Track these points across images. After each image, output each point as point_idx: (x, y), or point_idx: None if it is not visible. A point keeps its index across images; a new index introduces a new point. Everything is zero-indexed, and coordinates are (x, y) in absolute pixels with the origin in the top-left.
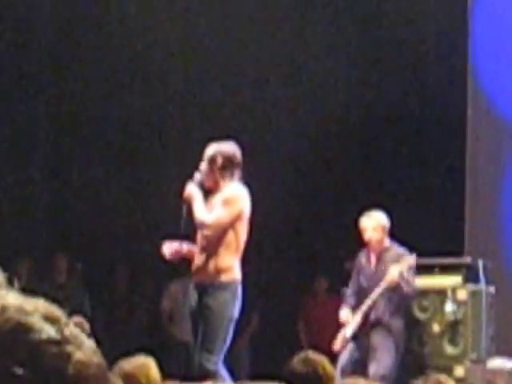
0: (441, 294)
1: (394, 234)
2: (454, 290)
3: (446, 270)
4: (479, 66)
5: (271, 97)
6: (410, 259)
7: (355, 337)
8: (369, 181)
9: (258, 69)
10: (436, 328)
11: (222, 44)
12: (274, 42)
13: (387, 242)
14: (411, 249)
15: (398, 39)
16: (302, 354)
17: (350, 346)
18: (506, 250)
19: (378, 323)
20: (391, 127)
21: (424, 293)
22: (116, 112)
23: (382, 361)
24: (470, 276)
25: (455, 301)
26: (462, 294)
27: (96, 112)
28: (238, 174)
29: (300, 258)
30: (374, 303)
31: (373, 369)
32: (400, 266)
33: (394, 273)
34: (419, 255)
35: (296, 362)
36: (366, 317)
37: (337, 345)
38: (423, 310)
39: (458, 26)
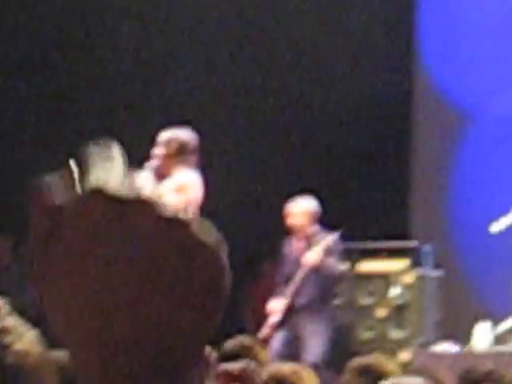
0: (387, 278)
1: (340, 219)
2: (400, 274)
3: (392, 254)
4: (426, 51)
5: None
6: (328, 240)
7: (283, 323)
8: (315, 167)
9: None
10: (382, 313)
11: None
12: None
13: (314, 228)
14: (359, 233)
15: (342, 27)
16: (235, 340)
17: (280, 333)
18: (453, 233)
19: (304, 309)
20: (336, 113)
21: (370, 277)
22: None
23: (312, 349)
24: (417, 260)
25: (402, 285)
26: (409, 278)
27: None
28: (193, 160)
29: (246, 243)
30: (298, 288)
31: (303, 357)
32: (317, 248)
33: (310, 255)
34: (366, 239)
35: (228, 346)
36: (291, 302)
37: (263, 333)
38: (369, 294)
39: (404, 16)
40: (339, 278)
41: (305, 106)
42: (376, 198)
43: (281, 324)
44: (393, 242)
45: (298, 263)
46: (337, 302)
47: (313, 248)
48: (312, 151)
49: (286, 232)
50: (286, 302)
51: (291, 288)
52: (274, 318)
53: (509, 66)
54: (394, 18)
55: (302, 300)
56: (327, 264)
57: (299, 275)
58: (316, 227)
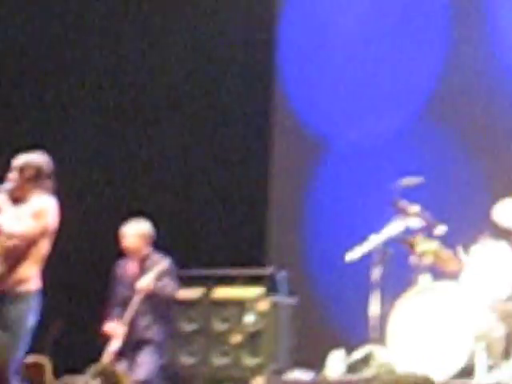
0: (242, 305)
1: (196, 244)
2: (255, 301)
3: (247, 281)
4: (286, 77)
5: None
6: (163, 264)
7: (123, 351)
8: (169, 191)
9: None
10: (236, 339)
11: None
12: None
13: (147, 250)
14: (214, 259)
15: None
16: (97, 366)
17: (123, 362)
18: (309, 261)
19: (142, 337)
20: (189, 135)
21: (225, 304)
22: None
23: (142, 371)
24: (272, 287)
25: (256, 312)
26: (264, 305)
27: None
28: (48, 185)
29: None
30: (136, 313)
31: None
32: (154, 272)
33: (144, 281)
34: (222, 266)
35: (90, 373)
36: (130, 329)
37: (105, 359)
38: (223, 320)
39: (263, 42)
40: (172, 302)
41: (154, 127)
42: (232, 224)
43: (122, 352)
44: (248, 268)
45: (132, 286)
46: (191, 327)
47: (147, 273)
48: (163, 175)
49: (121, 254)
50: (125, 328)
51: (129, 313)
52: (115, 344)
53: (365, 94)
54: (254, 44)
55: (138, 327)
56: (161, 289)
57: (135, 301)
58: (150, 250)
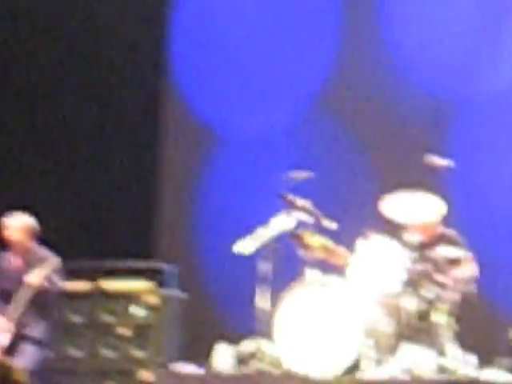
0: (131, 297)
1: (86, 236)
2: (144, 294)
3: (138, 274)
4: (179, 71)
5: None
6: (55, 262)
7: (12, 347)
8: (56, 178)
9: None
10: (124, 332)
11: None
12: None
13: (31, 244)
14: (104, 252)
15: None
16: None
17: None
18: (199, 255)
19: (25, 333)
20: (75, 125)
21: (114, 296)
22: None
23: (25, 359)
24: (163, 281)
25: (145, 305)
26: (154, 299)
27: None
28: None
29: None
30: (22, 309)
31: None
32: (44, 268)
33: (34, 275)
34: (112, 258)
35: None
36: (17, 323)
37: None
38: (111, 313)
39: (155, 31)
40: (58, 298)
41: (33, 117)
42: (122, 217)
43: (10, 348)
44: (139, 261)
45: (17, 280)
46: (78, 320)
47: (32, 267)
48: (48, 167)
49: (3, 246)
50: (12, 323)
51: (15, 308)
52: (5, 339)
53: (257, 88)
54: (145, 32)
55: (22, 322)
56: (51, 286)
57: (21, 295)
58: (34, 244)
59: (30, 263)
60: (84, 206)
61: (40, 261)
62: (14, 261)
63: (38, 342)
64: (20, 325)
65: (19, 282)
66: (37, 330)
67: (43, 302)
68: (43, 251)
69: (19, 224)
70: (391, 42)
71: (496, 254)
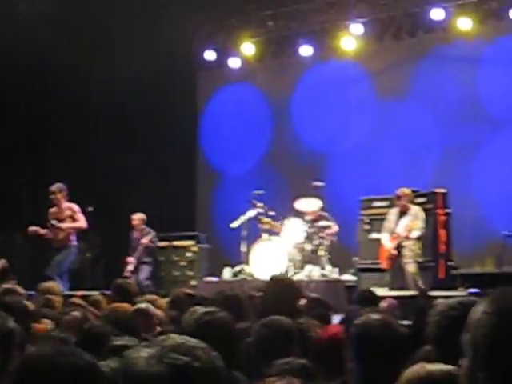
0: (186, 247)
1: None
2: (191, 246)
3: (189, 237)
4: (207, 151)
5: None
6: (151, 233)
7: (135, 270)
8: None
9: None
10: (183, 263)
11: None
12: None
13: (143, 226)
14: (172, 227)
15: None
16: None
17: (135, 275)
18: (215, 228)
19: (141, 262)
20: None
21: (177, 247)
22: None
23: (143, 277)
24: (199, 240)
25: (192, 251)
26: (195, 248)
27: None
28: None
29: None
30: (139, 254)
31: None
32: (149, 235)
33: (145, 240)
34: (177, 230)
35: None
36: (137, 259)
37: (125, 274)
38: (177, 255)
39: (193, 123)
40: (155, 248)
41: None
42: (183, 211)
43: (134, 270)
44: (189, 231)
45: (138, 241)
46: (161, 258)
47: (145, 236)
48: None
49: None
50: (135, 260)
51: (136, 254)
52: (130, 267)
53: (243, 149)
54: (187, 122)
55: (140, 260)
56: (150, 243)
57: (139, 249)
58: (144, 225)
59: (142, 234)
60: (168, 205)
61: (146, 233)
62: (135, 233)
63: (148, 264)
64: (139, 259)
65: (139, 243)
66: (148, 261)
67: (149, 250)
68: (147, 228)
69: (140, 217)
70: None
71: None
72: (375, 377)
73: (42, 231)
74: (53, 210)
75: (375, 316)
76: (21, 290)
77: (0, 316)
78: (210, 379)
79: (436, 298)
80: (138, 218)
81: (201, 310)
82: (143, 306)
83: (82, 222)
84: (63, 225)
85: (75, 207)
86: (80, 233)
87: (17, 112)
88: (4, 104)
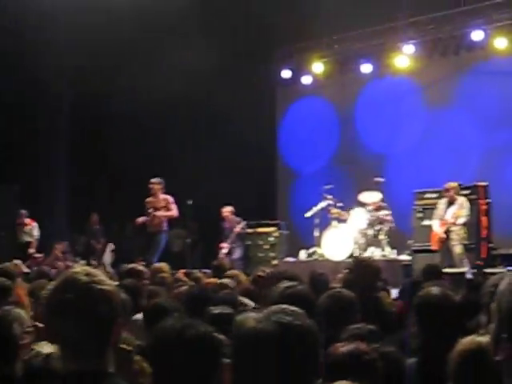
0: (268, 233)
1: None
2: (273, 232)
3: (271, 225)
4: (285, 153)
5: None
6: (242, 222)
7: (228, 253)
8: None
9: None
10: (266, 247)
11: None
12: None
13: (233, 216)
14: (257, 216)
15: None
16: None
17: (229, 257)
18: (293, 217)
19: (233, 248)
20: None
21: (261, 233)
22: None
23: (236, 257)
24: (280, 227)
25: (274, 236)
26: (277, 233)
27: None
28: None
29: None
30: (232, 240)
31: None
32: (241, 224)
33: (238, 228)
34: (261, 219)
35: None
36: (230, 244)
37: (220, 256)
38: (260, 239)
39: (273, 130)
40: (244, 235)
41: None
42: (269, 203)
43: (228, 253)
44: (270, 220)
45: (231, 230)
46: (248, 243)
47: (236, 224)
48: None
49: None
50: (228, 244)
51: (229, 239)
52: (224, 250)
53: (313, 153)
54: (268, 131)
55: (233, 244)
56: (240, 229)
57: (232, 235)
58: (233, 216)
59: (234, 223)
60: (254, 198)
61: (237, 222)
62: (226, 223)
63: (239, 247)
64: (232, 244)
65: (232, 231)
66: (239, 245)
67: (240, 236)
68: (238, 218)
69: (229, 209)
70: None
71: None
72: (435, 340)
73: (144, 219)
74: (150, 199)
75: (435, 289)
76: (144, 270)
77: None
78: (307, 336)
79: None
80: (227, 210)
81: (284, 284)
82: (226, 281)
83: (174, 212)
84: (158, 213)
85: (170, 198)
86: (180, 222)
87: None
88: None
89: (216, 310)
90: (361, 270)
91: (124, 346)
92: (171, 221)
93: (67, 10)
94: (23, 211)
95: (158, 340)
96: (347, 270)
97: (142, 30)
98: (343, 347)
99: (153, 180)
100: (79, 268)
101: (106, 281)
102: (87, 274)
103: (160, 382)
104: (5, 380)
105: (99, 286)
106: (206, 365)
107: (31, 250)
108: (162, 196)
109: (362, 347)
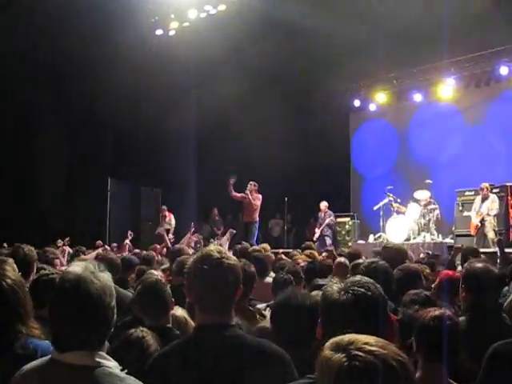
0: (340, 222)
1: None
2: (347, 221)
3: (346, 216)
4: (356, 162)
5: None
6: (332, 215)
7: (318, 239)
8: None
9: None
10: (344, 231)
11: None
12: None
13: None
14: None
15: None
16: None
17: (318, 242)
18: (363, 210)
19: (323, 235)
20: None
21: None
22: None
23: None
24: (352, 217)
25: (348, 224)
26: (350, 222)
27: None
28: None
29: None
30: (322, 228)
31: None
32: (329, 218)
33: (329, 220)
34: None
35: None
36: (320, 231)
37: (315, 237)
38: (345, 224)
39: (347, 145)
40: (333, 225)
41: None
42: (341, 202)
43: (319, 237)
44: (344, 212)
45: (324, 220)
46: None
47: (329, 217)
48: None
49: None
50: (319, 231)
51: (321, 227)
52: (316, 235)
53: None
54: (343, 143)
55: (324, 231)
56: (330, 220)
57: (324, 225)
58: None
59: (326, 215)
60: (334, 197)
61: (329, 215)
62: (322, 214)
63: (329, 235)
64: (323, 231)
65: (324, 220)
66: (328, 234)
67: (330, 225)
68: (329, 211)
69: (325, 204)
70: (415, 146)
71: None
72: (480, 303)
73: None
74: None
75: (479, 263)
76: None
77: (245, 263)
78: (378, 304)
79: None
80: (323, 205)
81: (367, 260)
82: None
83: (258, 208)
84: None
85: (260, 196)
86: (279, 213)
87: None
88: None
89: (322, 281)
90: (389, 255)
91: (249, 308)
92: (270, 212)
93: None
94: (164, 206)
95: (278, 305)
96: (378, 255)
97: None
98: (431, 312)
99: (251, 182)
100: (213, 247)
101: (232, 257)
102: (218, 252)
103: (278, 336)
104: (159, 330)
105: (227, 261)
106: (311, 319)
107: (170, 236)
108: (256, 195)
109: (446, 313)
